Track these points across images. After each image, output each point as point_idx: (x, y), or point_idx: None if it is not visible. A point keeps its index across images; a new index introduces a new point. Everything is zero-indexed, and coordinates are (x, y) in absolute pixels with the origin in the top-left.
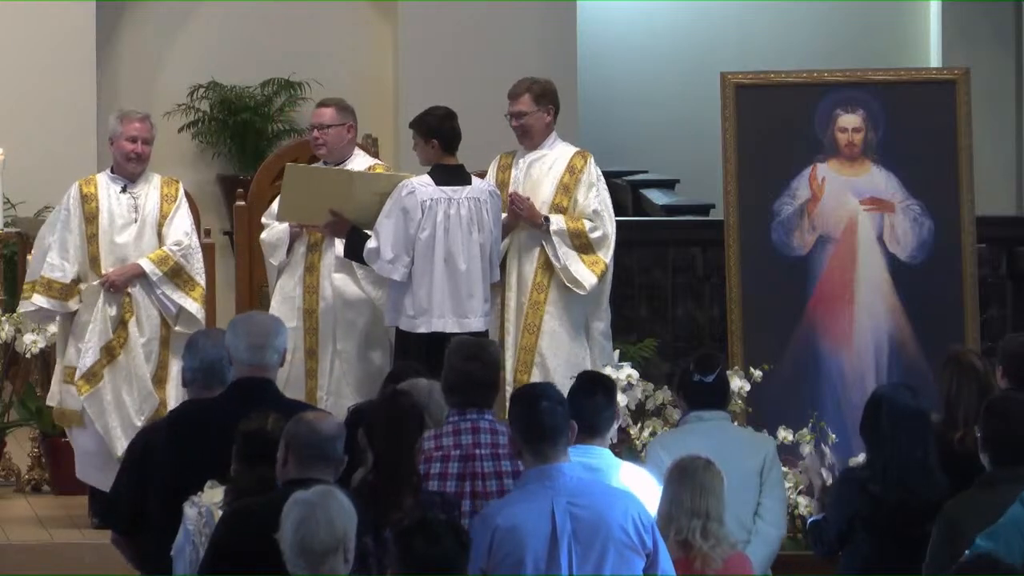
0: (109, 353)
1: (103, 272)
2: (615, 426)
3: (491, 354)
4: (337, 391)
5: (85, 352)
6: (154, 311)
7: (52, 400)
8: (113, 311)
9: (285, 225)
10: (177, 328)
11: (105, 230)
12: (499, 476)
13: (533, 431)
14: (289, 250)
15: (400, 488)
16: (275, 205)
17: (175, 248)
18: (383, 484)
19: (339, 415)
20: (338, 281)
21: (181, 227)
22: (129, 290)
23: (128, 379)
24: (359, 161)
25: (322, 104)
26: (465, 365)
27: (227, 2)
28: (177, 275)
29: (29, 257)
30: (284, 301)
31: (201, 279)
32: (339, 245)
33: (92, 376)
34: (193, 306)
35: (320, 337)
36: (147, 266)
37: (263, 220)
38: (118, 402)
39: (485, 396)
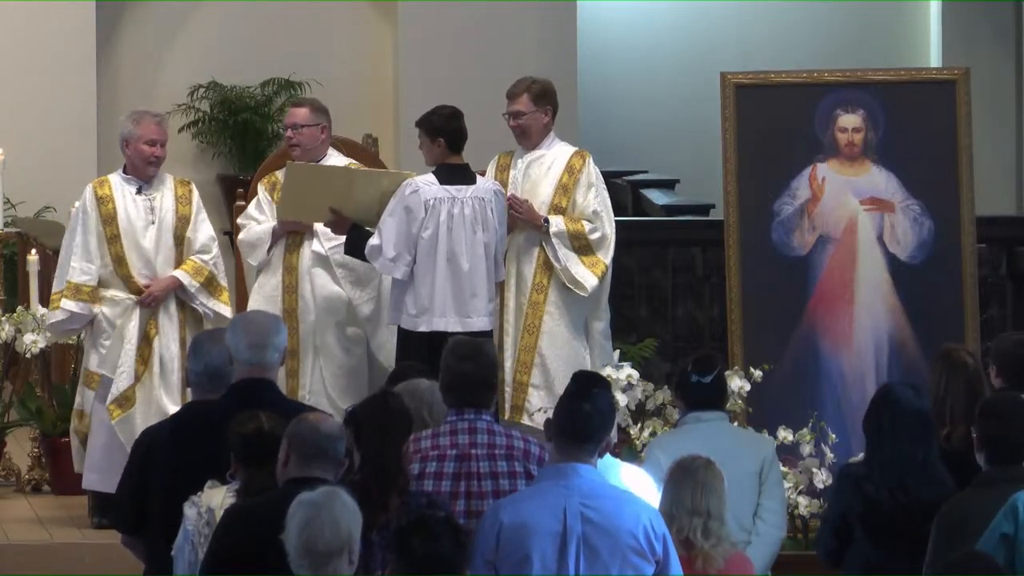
0: (136, 375)
1: (131, 272)
2: None
3: (487, 354)
4: (319, 390)
5: (119, 376)
6: (176, 322)
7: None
8: (138, 332)
9: (266, 225)
10: (209, 328)
11: (127, 231)
12: (495, 476)
13: (566, 425)
14: (269, 249)
15: (387, 489)
16: (251, 208)
17: (207, 258)
18: (370, 485)
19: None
20: (317, 280)
21: (207, 232)
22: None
23: (148, 399)
24: (332, 161)
25: (296, 104)
26: (460, 365)
27: (227, 2)
28: (210, 283)
29: (30, 257)
30: (266, 301)
31: (225, 281)
32: (317, 244)
33: (125, 400)
34: (226, 309)
35: (301, 337)
36: (185, 279)
37: (239, 221)
38: (146, 423)
39: (482, 396)
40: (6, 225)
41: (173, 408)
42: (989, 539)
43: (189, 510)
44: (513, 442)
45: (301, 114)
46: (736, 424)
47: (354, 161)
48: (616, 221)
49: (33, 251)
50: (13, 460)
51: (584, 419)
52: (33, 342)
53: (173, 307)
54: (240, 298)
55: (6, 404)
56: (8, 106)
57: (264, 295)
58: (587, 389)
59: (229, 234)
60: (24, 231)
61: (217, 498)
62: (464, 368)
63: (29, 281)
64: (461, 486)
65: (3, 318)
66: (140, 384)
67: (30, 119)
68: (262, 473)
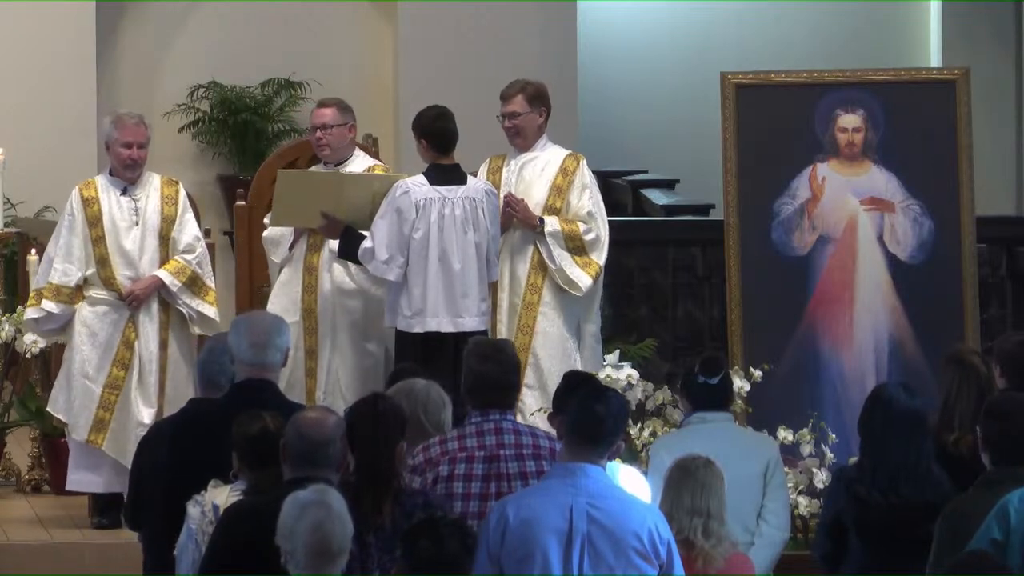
0: (113, 387)
1: (114, 274)
2: None
3: (508, 355)
4: (333, 391)
5: (78, 414)
6: (157, 322)
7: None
8: (114, 344)
9: None
10: (196, 331)
11: (110, 233)
12: (524, 476)
13: (578, 425)
14: (292, 246)
15: (381, 491)
16: None
17: (190, 257)
18: (364, 488)
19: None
20: (336, 279)
21: (192, 232)
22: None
23: (127, 404)
24: (359, 162)
25: (322, 104)
26: (481, 367)
27: (227, 2)
28: (194, 283)
29: (31, 257)
30: (290, 302)
31: (212, 282)
32: (334, 245)
33: (99, 424)
34: (211, 310)
35: (320, 337)
36: (166, 278)
37: (266, 220)
38: (131, 429)
39: (505, 397)
40: (6, 225)
41: (147, 411)
42: (979, 544)
43: (192, 509)
44: (539, 442)
45: (329, 114)
46: (738, 425)
47: (379, 163)
48: (616, 221)
49: (33, 251)
50: (13, 460)
51: (597, 421)
52: (33, 342)
53: (155, 308)
54: (239, 299)
55: (6, 404)
56: (8, 106)
57: (286, 292)
58: (601, 391)
59: (229, 234)
60: (24, 231)
61: (221, 497)
62: (486, 369)
63: (29, 281)
64: (491, 487)
65: (3, 318)
66: (120, 392)
67: (30, 119)
68: (267, 474)
